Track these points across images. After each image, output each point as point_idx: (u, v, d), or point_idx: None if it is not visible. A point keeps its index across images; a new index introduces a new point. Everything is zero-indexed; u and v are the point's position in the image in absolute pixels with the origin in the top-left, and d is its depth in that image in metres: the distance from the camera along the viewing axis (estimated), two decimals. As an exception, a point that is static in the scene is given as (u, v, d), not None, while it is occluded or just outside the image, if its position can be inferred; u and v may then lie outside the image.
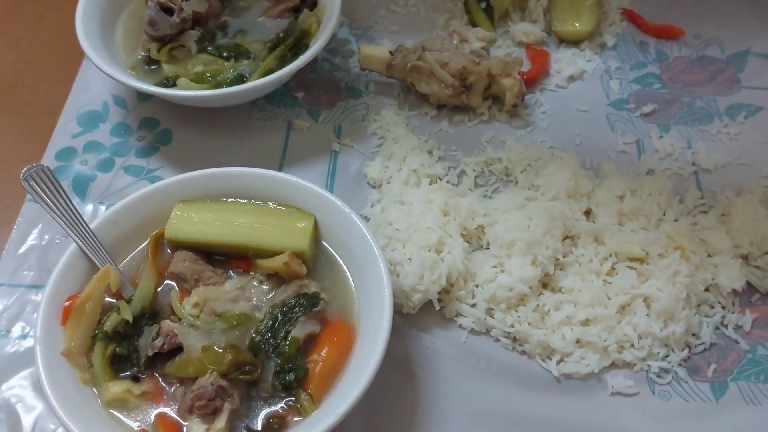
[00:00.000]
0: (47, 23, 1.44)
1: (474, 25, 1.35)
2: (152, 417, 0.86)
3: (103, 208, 1.14)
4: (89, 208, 1.14)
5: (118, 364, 0.88)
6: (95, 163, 1.20)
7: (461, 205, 1.07)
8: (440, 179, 1.15)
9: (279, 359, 0.87)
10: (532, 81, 1.28)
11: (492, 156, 1.18)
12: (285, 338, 0.88)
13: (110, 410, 0.86)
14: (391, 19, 1.42)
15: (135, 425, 0.85)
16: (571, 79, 1.31)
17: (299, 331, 0.89)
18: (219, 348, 0.86)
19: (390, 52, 1.25)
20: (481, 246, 1.08)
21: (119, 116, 1.27)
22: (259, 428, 0.85)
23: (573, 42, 1.35)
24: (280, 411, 0.86)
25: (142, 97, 1.29)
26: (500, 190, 1.15)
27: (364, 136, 1.24)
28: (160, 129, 1.25)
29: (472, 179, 1.16)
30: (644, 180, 1.12)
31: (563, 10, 1.35)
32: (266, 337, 0.89)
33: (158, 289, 0.95)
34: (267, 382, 0.86)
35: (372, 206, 1.14)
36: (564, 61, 1.31)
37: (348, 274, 0.97)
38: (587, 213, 1.09)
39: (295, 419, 0.85)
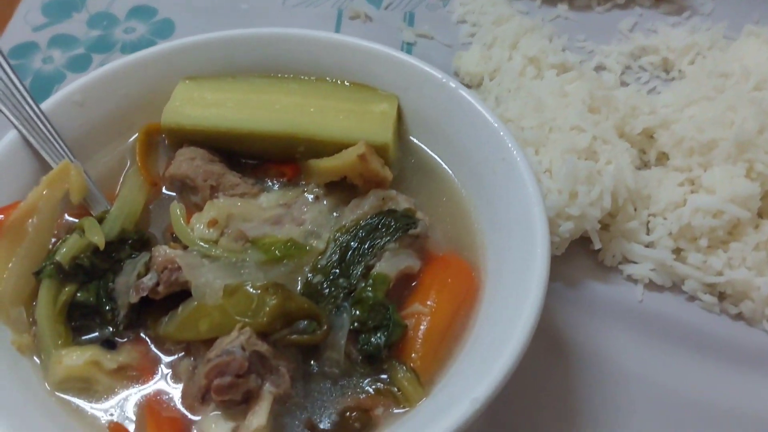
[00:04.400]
0: None
1: None
2: (135, 406, 0.48)
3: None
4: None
5: (79, 320, 0.54)
6: (64, 61, 0.85)
7: (616, 100, 0.70)
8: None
9: (357, 310, 0.50)
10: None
11: (642, 44, 0.81)
12: (365, 277, 0.52)
13: (62, 395, 0.48)
14: None
15: (103, 418, 0.47)
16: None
17: (388, 266, 0.53)
18: (254, 289, 0.48)
19: None
20: (647, 163, 0.71)
21: (102, 3, 0.91)
22: (328, 427, 0.47)
23: None
24: (362, 399, 0.48)
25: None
26: (659, 91, 0.79)
27: (448, 25, 0.88)
28: (157, 19, 0.89)
29: (616, 76, 0.79)
30: None
31: None
32: (333, 276, 0.52)
33: (150, 206, 0.58)
34: (337, 349, 0.50)
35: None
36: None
37: (459, 184, 0.60)
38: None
39: (391, 411, 0.47)
